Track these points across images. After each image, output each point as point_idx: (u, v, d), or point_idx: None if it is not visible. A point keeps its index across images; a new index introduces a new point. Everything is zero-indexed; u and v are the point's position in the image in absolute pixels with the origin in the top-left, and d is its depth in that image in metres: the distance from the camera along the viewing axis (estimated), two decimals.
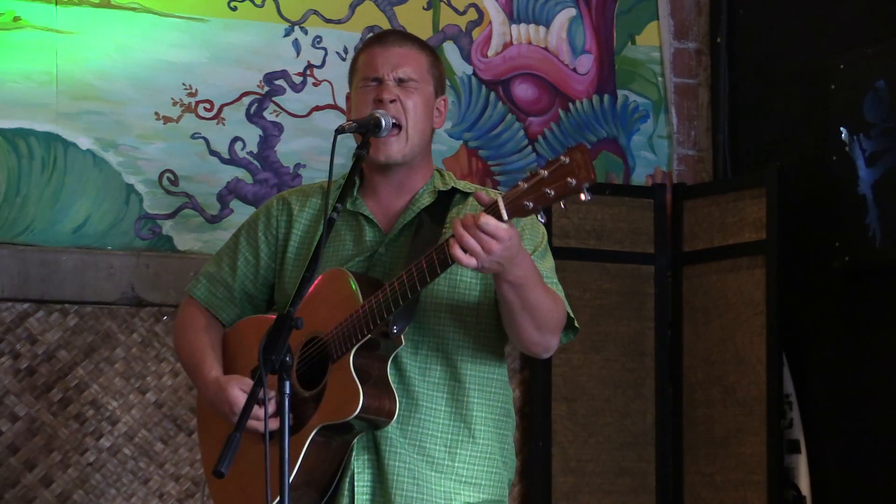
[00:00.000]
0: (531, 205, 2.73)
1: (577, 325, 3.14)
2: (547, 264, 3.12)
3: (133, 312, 4.61)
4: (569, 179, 2.68)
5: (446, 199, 3.18)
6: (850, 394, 4.73)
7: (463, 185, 3.22)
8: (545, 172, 2.71)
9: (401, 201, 3.19)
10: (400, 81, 3.13)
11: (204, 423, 3.31)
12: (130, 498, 4.55)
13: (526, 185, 2.74)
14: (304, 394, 3.05)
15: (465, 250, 2.80)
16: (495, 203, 2.77)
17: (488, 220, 2.77)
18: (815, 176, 4.86)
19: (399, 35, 3.28)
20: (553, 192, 2.70)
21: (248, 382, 3.07)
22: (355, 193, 3.20)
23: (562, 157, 2.70)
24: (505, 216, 2.76)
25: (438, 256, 2.88)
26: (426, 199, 3.17)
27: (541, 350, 3.08)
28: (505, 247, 2.79)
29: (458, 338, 3.10)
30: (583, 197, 2.69)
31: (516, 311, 2.96)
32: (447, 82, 3.40)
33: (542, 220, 2.85)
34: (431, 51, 3.25)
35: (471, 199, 3.17)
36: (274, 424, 2.83)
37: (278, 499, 2.78)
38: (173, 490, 4.60)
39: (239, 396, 3.05)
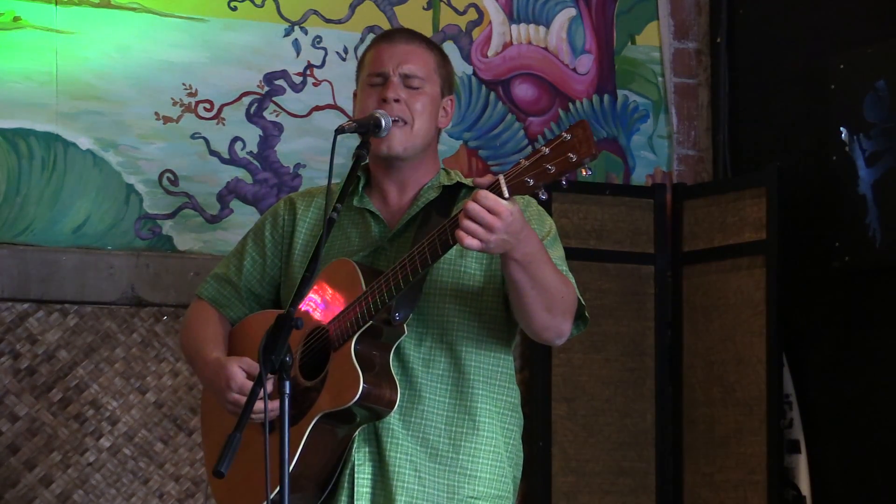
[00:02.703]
0: (531, 181, 2.73)
1: (587, 314, 3.12)
2: (556, 253, 3.10)
3: (133, 312, 4.61)
4: (569, 154, 2.69)
5: (452, 194, 3.18)
6: (850, 394, 4.73)
7: (469, 182, 3.21)
8: (546, 149, 2.72)
9: (406, 198, 3.19)
10: (405, 78, 3.13)
11: (207, 418, 3.31)
12: (130, 498, 4.55)
13: (527, 163, 2.74)
14: (305, 384, 3.05)
15: (467, 232, 2.79)
16: (497, 181, 2.78)
17: (487, 195, 2.77)
18: (815, 176, 4.86)
19: (407, 33, 3.26)
20: (554, 168, 2.71)
21: (248, 362, 3.05)
22: (360, 191, 3.20)
23: (563, 134, 2.71)
24: (506, 193, 2.77)
25: (440, 238, 2.88)
26: (431, 194, 3.16)
27: (553, 335, 3.04)
28: (507, 223, 2.78)
29: (462, 328, 3.09)
30: (584, 172, 2.70)
31: (526, 291, 2.94)
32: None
33: (544, 197, 2.81)
34: (440, 50, 3.24)
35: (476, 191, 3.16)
36: (273, 414, 2.82)
37: (277, 489, 2.78)
38: (173, 490, 4.60)
39: (237, 372, 3.04)
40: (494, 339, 3.12)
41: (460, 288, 3.10)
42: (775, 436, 4.76)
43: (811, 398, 4.84)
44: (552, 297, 2.97)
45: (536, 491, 4.92)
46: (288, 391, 2.75)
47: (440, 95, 3.18)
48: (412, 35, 3.23)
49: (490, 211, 2.77)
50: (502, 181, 2.77)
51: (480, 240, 2.79)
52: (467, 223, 2.78)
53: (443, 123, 3.21)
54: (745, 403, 4.87)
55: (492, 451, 3.12)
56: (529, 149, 5.14)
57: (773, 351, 4.79)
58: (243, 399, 2.97)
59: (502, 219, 2.77)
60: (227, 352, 3.23)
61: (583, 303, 3.09)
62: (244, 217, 4.74)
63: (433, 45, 3.24)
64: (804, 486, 4.79)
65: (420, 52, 3.17)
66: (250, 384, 2.97)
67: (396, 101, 3.11)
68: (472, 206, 2.78)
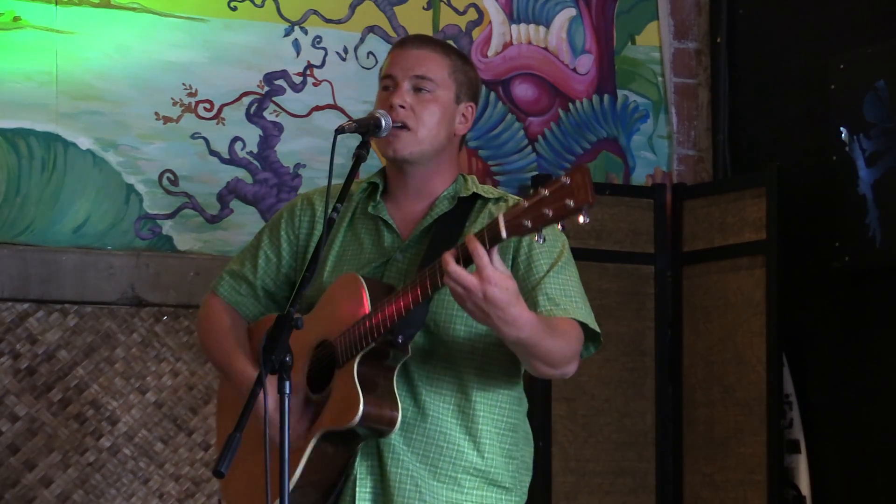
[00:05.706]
0: (529, 224, 2.73)
1: (599, 332, 3.12)
2: (566, 279, 3.09)
3: (133, 312, 4.61)
4: (567, 201, 2.68)
5: (467, 206, 3.16)
6: (850, 394, 4.73)
7: (485, 191, 3.18)
8: (546, 192, 2.71)
9: (420, 206, 3.17)
10: (416, 84, 3.11)
11: (222, 412, 3.32)
12: (130, 498, 4.55)
13: (527, 204, 2.74)
14: (312, 397, 3.05)
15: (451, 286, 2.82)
16: (495, 221, 2.78)
17: (455, 270, 2.79)
18: (815, 176, 4.86)
19: (422, 38, 3.24)
20: (551, 213, 2.70)
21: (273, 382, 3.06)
22: (378, 198, 3.20)
23: (563, 178, 2.70)
24: (504, 234, 2.76)
25: (432, 276, 2.88)
26: (444, 206, 3.15)
27: (557, 378, 3.10)
28: (477, 298, 2.79)
29: (468, 351, 3.08)
30: (581, 219, 2.69)
31: (524, 357, 2.99)
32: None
33: (540, 241, 2.82)
34: (458, 56, 3.20)
35: (490, 204, 3.15)
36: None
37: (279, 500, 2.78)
38: (173, 490, 4.60)
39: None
40: (501, 363, 3.10)
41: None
42: (775, 436, 4.76)
43: (811, 398, 4.84)
44: (552, 360, 2.99)
45: (536, 491, 4.90)
46: (288, 391, 2.76)
47: (454, 101, 3.15)
48: (426, 41, 3.21)
49: (456, 282, 2.80)
50: (501, 222, 2.76)
51: (459, 299, 2.83)
52: (448, 282, 2.81)
53: (460, 130, 3.17)
54: (745, 403, 4.87)
55: (492, 472, 3.11)
56: (529, 149, 5.15)
57: (773, 351, 4.79)
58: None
59: (469, 293, 2.79)
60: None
61: (596, 329, 3.09)
62: (244, 217, 4.74)
63: (450, 51, 3.20)
64: (804, 486, 4.79)
65: (433, 57, 3.15)
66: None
67: (402, 106, 3.09)
68: (453, 269, 2.80)
